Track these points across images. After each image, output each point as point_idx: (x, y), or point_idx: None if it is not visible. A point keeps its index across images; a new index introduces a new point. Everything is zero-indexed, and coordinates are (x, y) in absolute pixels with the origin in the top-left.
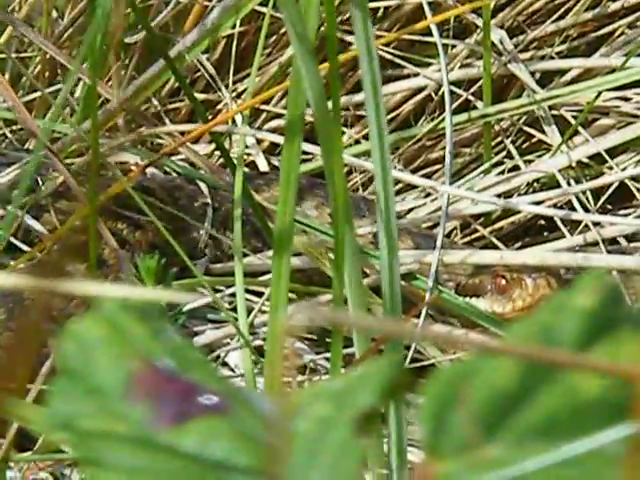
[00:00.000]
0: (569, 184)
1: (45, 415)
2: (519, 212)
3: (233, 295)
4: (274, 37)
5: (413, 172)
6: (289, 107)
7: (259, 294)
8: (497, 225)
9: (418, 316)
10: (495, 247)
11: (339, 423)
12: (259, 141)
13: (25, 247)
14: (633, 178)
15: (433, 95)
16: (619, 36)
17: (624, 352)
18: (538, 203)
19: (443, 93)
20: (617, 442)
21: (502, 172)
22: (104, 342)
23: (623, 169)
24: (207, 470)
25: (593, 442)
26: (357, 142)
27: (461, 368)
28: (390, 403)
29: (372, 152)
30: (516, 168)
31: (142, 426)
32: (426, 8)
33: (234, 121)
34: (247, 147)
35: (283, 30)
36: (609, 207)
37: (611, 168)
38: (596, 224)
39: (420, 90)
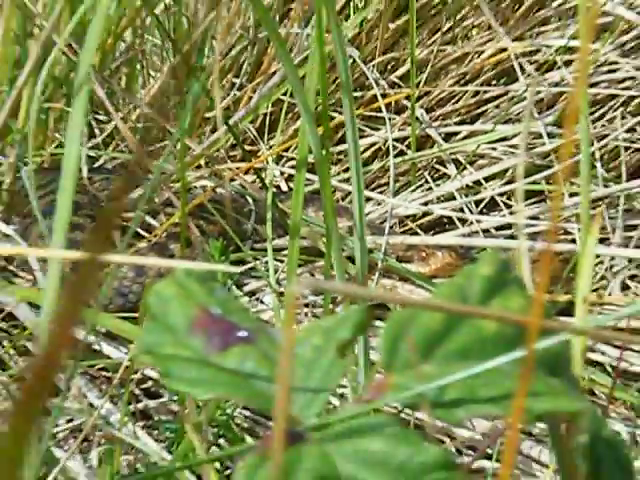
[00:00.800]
0: (461, 197)
1: (137, 344)
2: (433, 213)
3: (267, 262)
4: (290, 114)
5: (371, 191)
6: (299, 153)
7: (282, 261)
8: (420, 221)
9: (374, 275)
10: (418, 234)
11: (327, 350)
12: (282, 173)
13: (146, 234)
14: (499, 194)
15: (382, 147)
16: (490, 112)
17: (512, 304)
18: (444, 209)
19: (388, 146)
20: (510, 362)
21: (423, 191)
22: (175, 297)
23: (493, 189)
24: (242, 379)
25: (494, 363)
26: (338, 174)
27: (407, 313)
28: (361, 335)
29: (352, 179)
30: (430, 189)
31: (200, 352)
32: (378, 96)
33: (267, 162)
34: (275, 177)
35: (296, 109)
36: (485, 211)
37: (486, 188)
38: (478, 221)
39: (374, 144)
